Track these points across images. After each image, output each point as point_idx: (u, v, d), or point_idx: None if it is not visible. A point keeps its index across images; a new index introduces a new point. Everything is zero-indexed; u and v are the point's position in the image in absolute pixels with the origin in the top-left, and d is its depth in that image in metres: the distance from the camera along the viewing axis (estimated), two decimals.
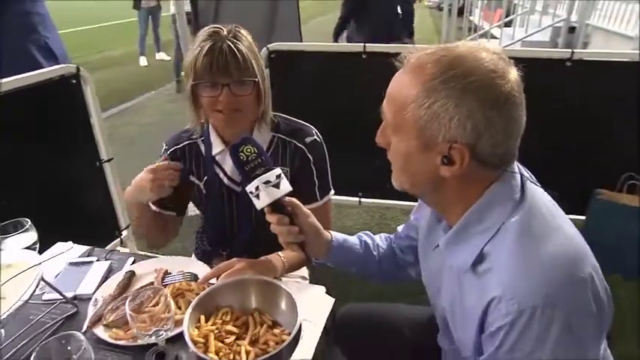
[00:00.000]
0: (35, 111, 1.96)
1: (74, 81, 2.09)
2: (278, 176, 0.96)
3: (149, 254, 1.35)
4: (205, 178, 1.38)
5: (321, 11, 12.38)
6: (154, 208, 1.39)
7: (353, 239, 1.17)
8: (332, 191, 1.42)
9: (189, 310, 0.88)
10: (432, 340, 1.13)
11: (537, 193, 0.82)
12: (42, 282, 0.98)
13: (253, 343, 0.88)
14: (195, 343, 0.83)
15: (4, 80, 1.78)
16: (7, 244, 1.08)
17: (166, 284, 1.09)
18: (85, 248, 1.31)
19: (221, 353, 0.84)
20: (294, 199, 1.01)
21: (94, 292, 1.12)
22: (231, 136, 1.32)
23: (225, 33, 1.18)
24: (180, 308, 1.01)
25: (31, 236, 1.11)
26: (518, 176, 0.82)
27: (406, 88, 0.77)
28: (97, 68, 7.62)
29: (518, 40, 6.20)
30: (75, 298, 1.11)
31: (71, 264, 1.22)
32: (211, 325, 0.89)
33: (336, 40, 4.54)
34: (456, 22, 7.72)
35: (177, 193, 1.33)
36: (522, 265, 0.73)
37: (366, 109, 2.46)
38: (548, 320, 0.69)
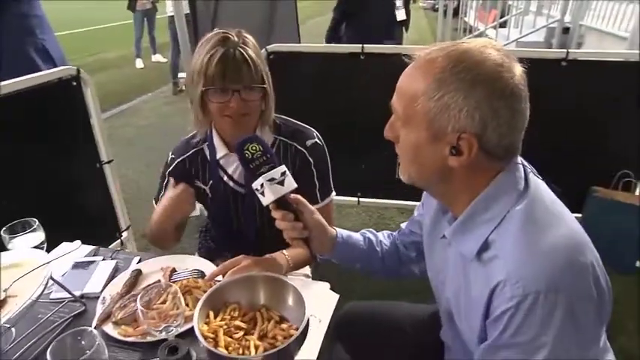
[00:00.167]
0: (36, 113, 1.97)
1: (74, 83, 2.11)
2: (283, 173, 0.98)
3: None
4: (211, 182, 1.40)
5: (319, 11, 12.39)
6: None
7: (357, 236, 1.19)
8: (333, 193, 1.43)
9: (199, 306, 0.89)
10: (434, 337, 1.15)
11: (540, 185, 0.85)
12: (50, 280, 1.00)
13: (262, 338, 0.90)
14: (205, 338, 0.84)
15: (5, 82, 1.79)
16: (16, 243, 1.10)
17: (173, 282, 1.10)
18: (90, 248, 1.32)
19: (230, 348, 0.86)
20: (299, 196, 1.03)
21: (102, 290, 1.14)
22: (235, 139, 1.33)
23: (235, 39, 1.19)
24: (187, 305, 1.02)
25: (39, 236, 1.12)
26: (522, 167, 0.85)
27: (417, 81, 0.80)
28: (92, 71, 7.55)
29: (513, 41, 6.25)
30: (82, 296, 1.12)
31: (77, 263, 1.23)
32: (220, 321, 0.91)
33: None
34: (451, 23, 7.78)
35: None
36: (527, 251, 0.76)
37: (364, 109, 2.50)
38: (552, 305, 0.71)
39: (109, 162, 2.31)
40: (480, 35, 6.81)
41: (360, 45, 2.44)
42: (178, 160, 1.41)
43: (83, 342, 0.79)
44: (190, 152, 1.40)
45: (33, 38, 2.28)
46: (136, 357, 0.95)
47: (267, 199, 0.98)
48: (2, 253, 1.06)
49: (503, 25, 7.03)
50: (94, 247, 1.32)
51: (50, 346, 0.76)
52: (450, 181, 0.85)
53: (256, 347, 0.86)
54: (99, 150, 2.27)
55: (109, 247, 2.34)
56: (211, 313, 0.92)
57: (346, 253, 1.15)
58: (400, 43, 5.58)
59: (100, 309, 1.06)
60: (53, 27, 2.45)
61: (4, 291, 0.93)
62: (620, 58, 2.39)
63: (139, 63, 8.38)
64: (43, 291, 0.96)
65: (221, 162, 1.38)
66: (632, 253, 2.38)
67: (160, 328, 0.88)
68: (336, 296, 1.12)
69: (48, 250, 1.17)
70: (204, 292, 0.98)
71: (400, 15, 5.55)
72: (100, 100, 2.27)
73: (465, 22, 7.73)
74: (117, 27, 14.15)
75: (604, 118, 2.30)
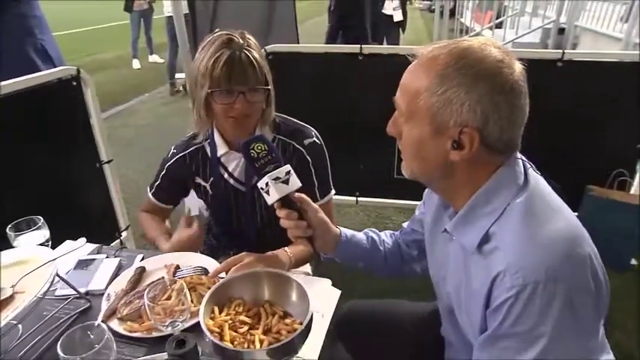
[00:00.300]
0: (36, 113, 1.98)
1: (74, 83, 2.11)
2: (288, 173, 1.00)
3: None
4: (211, 179, 1.42)
5: (318, 11, 12.42)
6: (158, 203, 1.51)
7: (360, 235, 1.20)
8: (332, 191, 1.45)
9: (204, 301, 0.91)
10: (435, 334, 1.17)
11: (540, 180, 0.87)
12: (55, 277, 1.01)
13: (266, 332, 0.91)
14: (211, 332, 0.86)
15: (5, 83, 1.80)
16: (21, 240, 1.11)
17: (177, 278, 1.12)
18: (93, 246, 1.33)
19: (236, 342, 0.87)
20: (304, 195, 1.05)
21: (106, 287, 1.15)
22: (235, 138, 1.35)
23: (240, 41, 1.21)
24: (192, 301, 1.03)
25: (44, 234, 1.13)
26: (521, 163, 0.87)
27: (420, 77, 0.83)
28: (89, 71, 7.45)
29: (509, 42, 6.29)
30: (87, 293, 1.13)
31: (81, 261, 1.25)
32: (225, 316, 0.92)
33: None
34: (448, 23, 7.81)
35: (178, 192, 1.52)
36: (526, 242, 0.77)
37: (362, 109, 2.52)
38: (551, 295, 0.73)
39: (108, 162, 2.32)
40: (476, 36, 6.85)
41: (359, 45, 2.46)
42: (179, 155, 1.43)
43: (92, 336, 0.81)
44: (191, 148, 1.42)
45: (32, 38, 2.29)
46: (142, 352, 0.96)
47: (272, 198, 1.00)
48: (8, 250, 1.07)
49: (499, 25, 7.08)
50: (97, 245, 1.34)
51: (60, 340, 0.77)
52: (452, 176, 0.87)
53: (261, 341, 0.88)
54: (99, 150, 2.28)
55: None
56: (216, 309, 0.94)
57: (349, 252, 1.17)
58: (397, 44, 5.63)
59: (105, 305, 1.08)
60: (50, 27, 2.46)
61: (12, 287, 0.94)
62: (614, 58, 2.42)
63: (136, 63, 8.38)
64: (49, 288, 0.97)
65: (222, 159, 1.39)
66: (627, 251, 2.41)
67: (166, 323, 0.90)
68: (338, 292, 1.14)
69: (51, 249, 1.18)
70: (208, 288, 1.00)
71: (397, 16, 5.60)
72: (98, 101, 2.28)
73: (462, 22, 7.76)
74: (113, 27, 14.14)
75: (599, 118, 2.33)
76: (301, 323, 0.88)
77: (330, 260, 1.20)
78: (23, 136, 1.92)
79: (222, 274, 1.13)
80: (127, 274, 1.18)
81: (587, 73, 2.30)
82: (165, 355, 0.85)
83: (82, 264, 1.24)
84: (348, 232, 1.17)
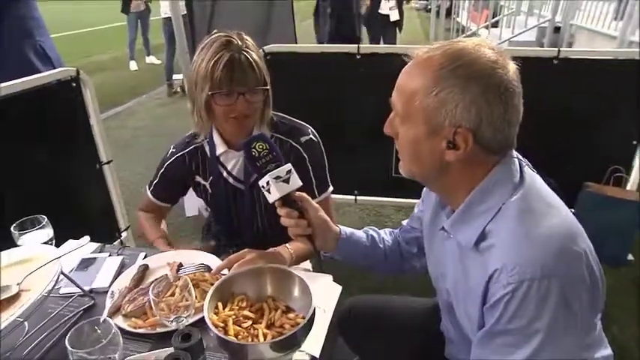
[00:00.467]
0: (36, 114, 1.98)
1: (74, 84, 2.12)
2: (288, 172, 1.01)
3: None
4: (211, 178, 1.43)
5: None
6: (157, 201, 1.52)
7: (360, 233, 1.22)
8: (330, 188, 1.46)
9: (209, 296, 0.93)
10: (435, 329, 1.19)
11: (535, 177, 0.89)
12: (60, 276, 1.02)
13: (269, 327, 0.93)
14: (215, 326, 0.87)
15: (6, 84, 1.81)
16: (25, 239, 1.12)
17: (181, 276, 1.13)
18: (96, 245, 1.35)
19: (240, 336, 0.89)
20: (304, 194, 1.06)
21: (109, 285, 1.16)
22: (234, 138, 1.37)
23: (238, 42, 1.22)
24: (195, 297, 1.05)
25: (47, 232, 1.15)
26: (517, 161, 0.88)
27: (415, 78, 0.84)
28: (86, 73, 7.57)
29: (505, 41, 6.32)
30: (91, 291, 1.15)
31: (84, 260, 1.26)
32: (229, 311, 0.94)
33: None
34: (444, 23, 7.85)
35: (176, 191, 1.54)
36: (522, 240, 0.79)
37: (360, 108, 2.54)
38: (546, 291, 0.75)
39: (108, 162, 2.33)
40: (473, 35, 6.88)
41: (356, 45, 2.48)
42: (178, 154, 1.45)
43: (99, 331, 0.82)
44: (190, 148, 1.43)
45: (31, 40, 2.29)
46: (147, 348, 0.98)
47: (272, 197, 1.01)
48: (13, 249, 1.08)
49: (495, 25, 7.11)
50: (99, 244, 1.35)
51: (68, 335, 0.78)
52: (448, 175, 0.88)
53: (264, 335, 0.90)
54: (98, 150, 2.29)
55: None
56: (220, 304, 0.95)
57: (349, 250, 1.18)
58: (394, 43, 5.66)
59: (109, 303, 1.09)
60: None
61: (18, 284, 0.95)
62: (610, 56, 2.44)
63: (133, 65, 8.38)
64: (54, 285, 0.98)
65: (221, 158, 1.41)
66: (623, 247, 2.44)
67: (171, 319, 0.91)
68: (339, 287, 1.15)
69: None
70: (211, 285, 1.01)
71: (393, 16, 5.63)
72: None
73: (458, 22, 7.81)
74: (109, 29, 14.11)
75: (595, 115, 2.36)
76: (304, 317, 0.89)
77: (330, 258, 1.21)
78: (23, 137, 1.92)
79: (225, 271, 1.14)
80: (130, 272, 1.20)
81: (583, 70, 2.32)
82: (169, 349, 0.86)
83: (86, 262, 1.25)
84: (347, 230, 1.18)
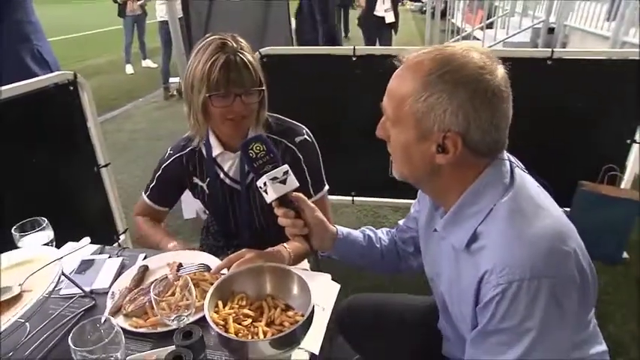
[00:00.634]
0: (34, 118, 1.99)
1: (71, 88, 2.13)
2: (285, 173, 1.02)
3: None
4: (208, 179, 1.44)
5: None
6: (153, 205, 1.52)
7: (356, 233, 1.23)
8: (326, 187, 1.48)
9: (209, 295, 0.94)
10: (433, 327, 1.20)
11: (526, 178, 0.90)
12: (61, 277, 1.03)
13: (269, 324, 0.95)
14: (216, 324, 0.88)
15: (4, 88, 1.82)
16: (26, 241, 1.13)
17: (181, 275, 1.14)
18: (96, 246, 1.35)
19: (240, 334, 0.90)
20: (301, 195, 1.08)
21: (110, 286, 1.17)
22: (231, 139, 1.38)
23: (233, 44, 1.23)
24: (196, 297, 1.06)
25: (48, 234, 1.16)
26: (507, 163, 0.89)
27: (405, 83, 0.85)
28: (82, 77, 7.58)
29: (500, 42, 6.37)
30: (92, 292, 1.16)
31: (84, 261, 1.27)
32: (229, 310, 0.95)
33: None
34: (439, 24, 7.89)
35: (173, 194, 1.54)
36: (512, 240, 0.80)
37: (356, 109, 2.55)
38: (536, 291, 0.76)
39: (106, 165, 2.34)
40: (468, 36, 6.92)
41: (352, 47, 2.50)
42: (176, 155, 1.45)
43: (101, 330, 0.83)
44: (187, 150, 1.44)
45: (29, 44, 2.29)
46: (148, 347, 0.99)
47: (270, 197, 1.02)
48: (14, 250, 1.09)
49: (490, 26, 7.15)
50: (99, 245, 1.36)
51: (71, 334, 0.79)
52: (439, 178, 0.89)
53: (264, 333, 0.91)
54: (96, 154, 2.30)
55: None
56: (220, 303, 0.97)
57: (346, 250, 1.19)
58: (389, 45, 5.69)
59: (109, 303, 1.10)
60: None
61: (20, 285, 0.96)
62: (603, 56, 2.47)
63: (129, 68, 8.37)
64: (56, 286, 0.99)
65: (217, 159, 1.42)
66: (618, 245, 2.46)
67: (172, 318, 0.92)
68: (338, 286, 1.17)
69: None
70: (211, 284, 1.02)
71: (389, 18, 5.66)
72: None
73: (453, 23, 7.83)
74: (105, 33, 14.10)
75: (589, 115, 2.38)
76: (303, 315, 0.90)
77: (327, 257, 1.23)
78: (21, 141, 1.93)
79: (224, 270, 1.15)
80: (131, 273, 1.20)
81: (576, 71, 2.34)
82: (170, 348, 0.87)
83: (86, 264, 1.26)
84: (344, 230, 1.20)
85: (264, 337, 0.90)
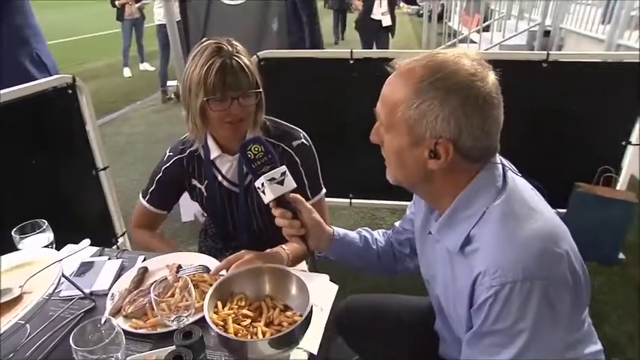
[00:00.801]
0: (32, 121, 2.00)
1: (70, 91, 2.14)
2: (283, 174, 1.04)
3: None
4: (206, 181, 1.45)
5: None
6: (152, 208, 1.51)
7: (353, 234, 1.24)
8: (323, 190, 1.49)
9: (208, 296, 0.95)
10: (431, 327, 1.21)
11: (518, 181, 0.91)
12: (61, 278, 1.04)
13: (268, 325, 0.95)
14: (215, 325, 0.89)
15: (3, 91, 1.82)
16: (25, 243, 1.14)
17: (180, 277, 1.15)
18: (95, 249, 1.36)
19: (239, 334, 0.91)
20: (298, 196, 1.09)
21: (109, 288, 1.18)
22: (229, 142, 1.39)
23: (229, 48, 1.25)
24: (195, 298, 1.07)
25: (48, 236, 1.16)
26: (500, 166, 0.90)
27: (397, 90, 0.87)
28: (81, 80, 7.58)
29: (496, 44, 6.40)
30: (91, 294, 1.16)
31: (84, 263, 1.28)
32: (228, 310, 0.96)
33: None
34: (436, 27, 7.92)
35: (172, 196, 1.53)
36: (504, 243, 0.82)
37: (354, 112, 2.57)
38: (528, 293, 0.77)
39: (104, 169, 2.35)
40: (465, 39, 6.96)
41: (349, 50, 2.52)
42: (176, 157, 1.46)
43: (102, 331, 0.84)
44: (187, 152, 1.45)
45: (28, 48, 2.30)
46: (147, 348, 1.00)
47: (267, 198, 1.04)
48: (15, 252, 1.10)
49: (486, 29, 7.19)
50: (98, 247, 1.37)
51: (72, 333, 0.80)
52: (432, 182, 0.91)
53: (263, 333, 0.92)
54: (94, 157, 2.30)
55: None
56: (219, 304, 0.98)
57: (343, 251, 1.20)
58: (386, 48, 5.71)
59: (109, 304, 1.11)
60: None
61: (20, 287, 0.97)
62: (598, 59, 2.50)
63: (127, 72, 8.37)
64: (56, 288, 1.00)
65: (215, 162, 1.43)
66: (613, 245, 2.48)
67: (172, 319, 0.93)
68: (336, 287, 1.18)
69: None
70: (211, 285, 1.03)
71: (386, 21, 5.68)
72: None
73: (450, 26, 7.87)
74: (103, 36, 14.10)
75: (584, 117, 2.39)
76: (301, 315, 0.91)
77: (324, 258, 1.24)
78: (20, 144, 1.94)
79: (223, 272, 1.16)
80: (130, 275, 1.21)
81: (572, 73, 2.37)
82: (170, 348, 0.88)
83: (85, 266, 1.27)
84: (341, 231, 1.21)
85: (263, 337, 0.91)
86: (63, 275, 1.04)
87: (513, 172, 0.93)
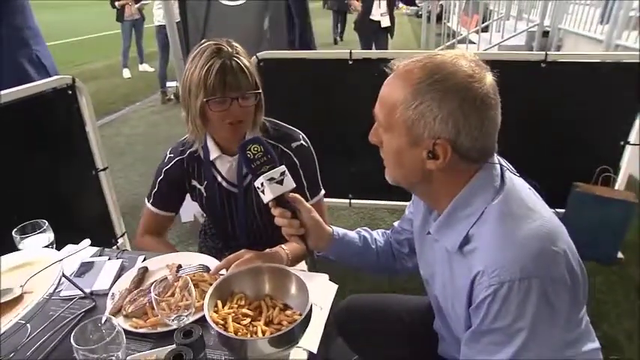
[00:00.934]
0: (32, 122, 2.01)
1: (70, 92, 2.15)
2: (282, 173, 1.04)
3: None
4: (206, 182, 1.46)
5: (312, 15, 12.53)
6: (159, 212, 1.50)
7: (352, 234, 1.25)
8: (322, 192, 1.49)
9: (208, 295, 0.95)
10: (430, 327, 1.22)
11: (516, 181, 0.92)
12: (62, 278, 1.04)
13: (268, 324, 0.96)
14: (215, 324, 0.90)
15: (3, 92, 1.83)
16: (26, 243, 1.14)
17: (180, 276, 1.15)
18: (95, 249, 1.36)
19: (239, 333, 0.91)
20: (297, 195, 1.09)
21: (110, 288, 1.18)
22: (228, 143, 1.40)
23: (228, 49, 1.25)
24: (195, 297, 1.07)
25: (48, 237, 1.17)
26: (498, 166, 0.91)
27: (396, 91, 0.87)
28: (80, 81, 7.59)
29: (495, 45, 6.42)
30: (92, 293, 1.17)
31: (84, 263, 1.28)
32: (228, 309, 0.97)
33: None
34: (435, 28, 7.93)
35: (176, 197, 1.52)
36: (503, 242, 0.82)
37: (353, 113, 2.58)
38: (526, 291, 0.78)
39: (104, 169, 2.35)
40: (464, 40, 6.97)
41: (349, 51, 2.53)
42: (176, 158, 1.46)
43: (103, 329, 0.85)
44: (187, 153, 1.46)
45: (27, 49, 2.31)
46: (148, 347, 1.00)
47: (266, 197, 1.04)
48: (15, 252, 1.11)
49: (485, 29, 7.20)
50: (98, 248, 1.37)
51: (73, 332, 0.81)
52: (431, 182, 0.91)
53: (263, 332, 0.92)
54: (94, 157, 2.31)
55: None
56: (219, 303, 0.98)
57: (342, 251, 1.21)
58: (385, 49, 5.72)
59: (109, 304, 1.11)
60: None
61: (21, 287, 0.97)
62: (596, 59, 2.50)
63: (127, 73, 8.37)
64: (56, 288, 1.00)
65: (215, 163, 1.43)
66: (612, 245, 2.49)
67: (172, 318, 0.94)
68: (335, 286, 1.18)
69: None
70: (210, 285, 1.04)
71: (384, 22, 5.69)
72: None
73: (448, 27, 7.88)
74: (102, 37, 14.10)
75: (583, 117, 2.40)
76: (301, 314, 0.92)
77: (323, 258, 1.24)
78: (20, 145, 1.94)
79: (223, 271, 1.17)
80: (130, 274, 1.22)
81: (570, 73, 2.37)
82: (170, 347, 0.88)
83: (86, 266, 1.27)
84: (340, 231, 1.21)
85: (263, 335, 0.91)
86: (63, 275, 1.04)
87: (511, 172, 0.94)
